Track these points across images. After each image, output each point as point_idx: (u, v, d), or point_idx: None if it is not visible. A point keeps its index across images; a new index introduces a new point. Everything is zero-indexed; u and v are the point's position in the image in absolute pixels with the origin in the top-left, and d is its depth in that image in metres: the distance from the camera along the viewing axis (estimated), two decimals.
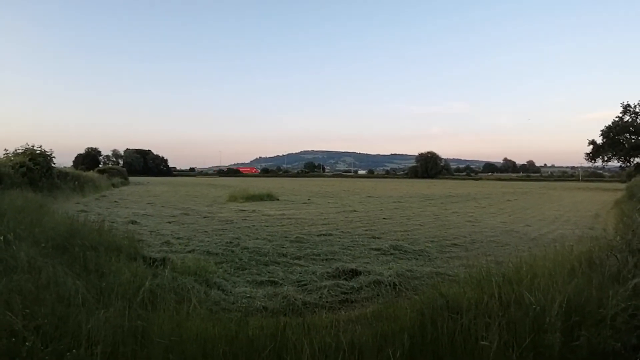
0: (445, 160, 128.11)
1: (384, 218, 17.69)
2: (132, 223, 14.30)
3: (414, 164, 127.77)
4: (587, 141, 59.09)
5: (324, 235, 12.56)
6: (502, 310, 3.96)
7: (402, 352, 3.53)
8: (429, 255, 9.93)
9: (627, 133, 56.09)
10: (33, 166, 23.18)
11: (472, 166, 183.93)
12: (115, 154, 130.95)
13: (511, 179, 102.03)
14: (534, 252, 7.07)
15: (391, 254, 9.99)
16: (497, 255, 9.01)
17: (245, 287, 7.05)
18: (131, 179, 61.90)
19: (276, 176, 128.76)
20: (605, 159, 59.19)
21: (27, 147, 24.65)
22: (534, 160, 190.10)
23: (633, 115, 56.25)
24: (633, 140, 55.50)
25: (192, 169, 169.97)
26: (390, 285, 7.06)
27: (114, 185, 41.38)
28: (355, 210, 20.94)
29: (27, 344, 3.22)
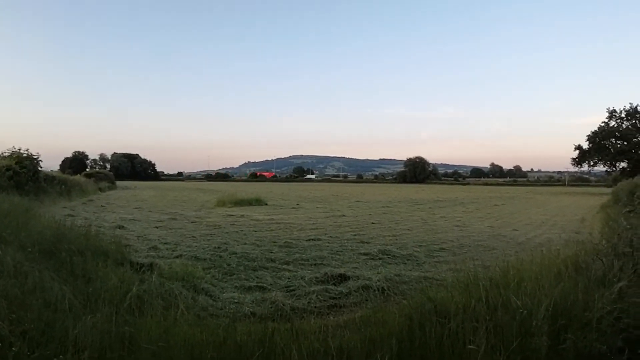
0: (434, 165, 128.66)
1: (372, 223, 17.72)
2: (119, 228, 14.17)
3: (402, 169, 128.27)
4: (574, 146, 59.94)
5: (312, 240, 12.55)
6: (490, 314, 3.99)
7: (390, 356, 3.55)
8: (417, 260, 9.97)
9: (612, 138, 56.97)
10: (20, 170, 22.92)
11: (459, 171, 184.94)
12: (103, 157, 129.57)
13: (498, 184, 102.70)
14: (521, 256, 7.13)
15: (380, 258, 10.01)
16: (485, 260, 9.08)
17: (233, 292, 7.03)
18: (118, 183, 61.21)
19: (265, 181, 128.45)
20: (591, 163, 59.99)
21: (14, 150, 24.40)
22: (521, 165, 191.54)
23: (619, 120, 57.23)
24: (619, 146, 56.39)
25: (180, 174, 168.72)
26: (378, 290, 7.08)
27: (101, 190, 40.90)
28: (344, 215, 20.96)
29: (13, 349, 3.19)
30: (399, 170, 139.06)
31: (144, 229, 14.72)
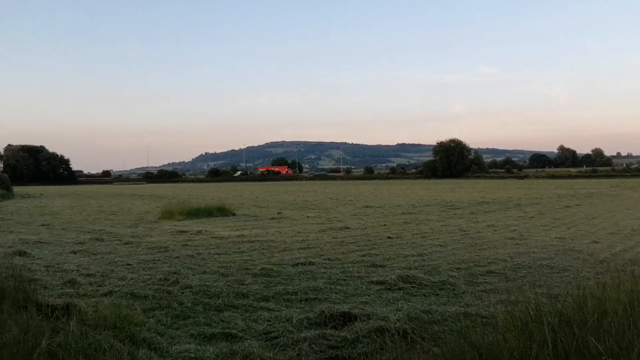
0: (476, 151, 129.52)
1: (388, 237, 17.78)
2: (19, 255, 14.08)
3: (430, 158, 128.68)
4: None
5: (302, 264, 12.56)
6: None
7: None
8: (454, 289, 10.01)
9: None
10: None
11: (513, 158, 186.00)
12: None
13: (570, 176, 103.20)
14: (603, 280, 7.18)
15: (400, 288, 10.04)
16: (552, 286, 9.14)
17: (189, 343, 7.02)
18: (16, 188, 61.03)
19: (230, 180, 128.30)
20: None
21: None
22: (602, 149, 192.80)
23: None
24: None
25: (106, 173, 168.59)
26: (399, 334, 7.09)
27: None
28: (347, 227, 21.01)
29: None
30: (425, 159, 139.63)
31: (55, 255, 14.66)
